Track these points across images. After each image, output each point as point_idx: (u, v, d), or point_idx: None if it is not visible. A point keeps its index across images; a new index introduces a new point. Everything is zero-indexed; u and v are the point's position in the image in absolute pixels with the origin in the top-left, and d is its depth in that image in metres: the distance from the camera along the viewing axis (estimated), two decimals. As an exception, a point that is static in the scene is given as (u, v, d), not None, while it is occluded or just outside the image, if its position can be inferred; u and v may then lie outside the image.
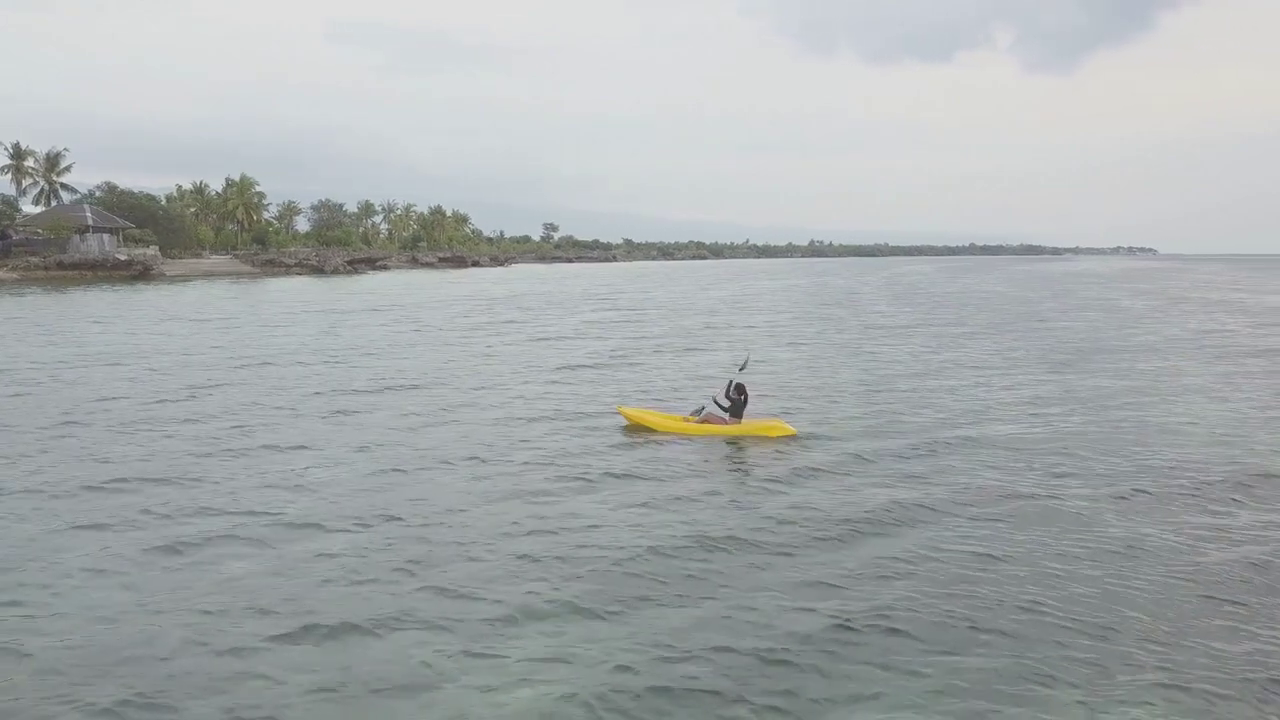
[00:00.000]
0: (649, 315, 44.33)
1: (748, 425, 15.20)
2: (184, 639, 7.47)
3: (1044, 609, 8.14)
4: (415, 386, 20.47)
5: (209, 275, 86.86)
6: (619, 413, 16.34)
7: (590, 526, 10.35)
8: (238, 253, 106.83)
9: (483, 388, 20.48)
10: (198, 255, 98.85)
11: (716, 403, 15.62)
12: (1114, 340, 31.63)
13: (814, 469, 12.98)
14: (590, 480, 12.35)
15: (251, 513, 10.73)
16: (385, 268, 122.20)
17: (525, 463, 13.34)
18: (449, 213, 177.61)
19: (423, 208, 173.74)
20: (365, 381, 21.07)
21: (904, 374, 22.88)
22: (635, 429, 15.60)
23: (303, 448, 14.22)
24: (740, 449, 14.39)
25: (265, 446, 14.30)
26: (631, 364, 24.98)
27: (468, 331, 34.62)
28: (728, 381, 15.84)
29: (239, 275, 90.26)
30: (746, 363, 16.82)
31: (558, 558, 9.32)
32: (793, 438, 14.81)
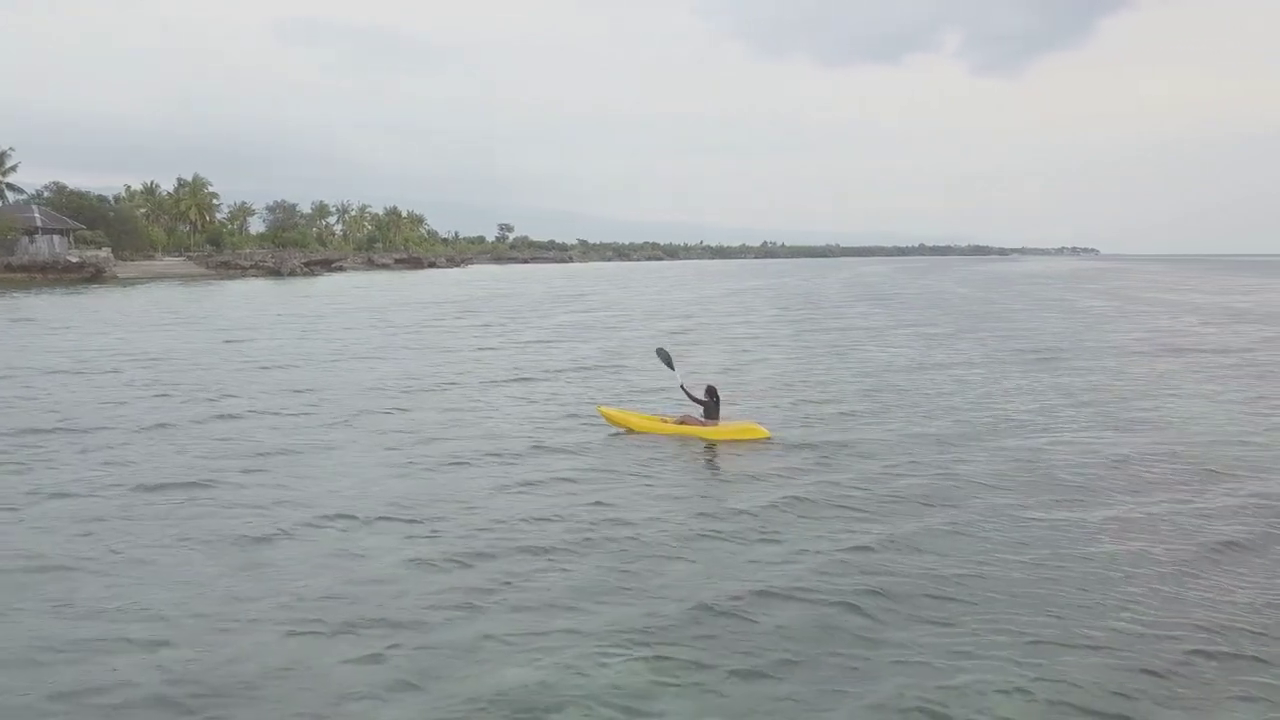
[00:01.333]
0: (623, 318, 44.34)
1: (723, 427, 15.44)
2: (258, 642, 7.45)
3: (1002, 599, 8.49)
4: (407, 392, 20.37)
5: (162, 277, 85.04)
6: (599, 413, 16.61)
7: (567, 518, 10.85)
8: (191, 254, 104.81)
9: (467, 390, 20.51)
10: (150, 257, 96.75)
11: (688, 393, 15.88)
12: (1089, 340, 32.36)
13: (785, 469, 13.25)
14: (571, 479, 12.67)
15: (288, 514, 10.69)
16: (341, 269, 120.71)
17: (511, 461, 13.77)
18: (404, 213, 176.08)
19: (378, 208, 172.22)
20: (358, 386, 20.86)
21: (879, 376, 23.23)
22: (615, 429, 15.91)
23: (316, 454, 14.15)
24: (715, 450, 14.64)
25: (281, 452, 14.19)
26: (611, 367, 25.07)
27: (444, 335, 34.38)
28: (678, 381, 16.30)
29: (193, 277, 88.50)
30: (669, 360, 16.92)
31: (541, 549, 9.74)
32: (767, 440, 15.04)
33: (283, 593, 8.61)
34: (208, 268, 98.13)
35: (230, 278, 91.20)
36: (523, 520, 10.75)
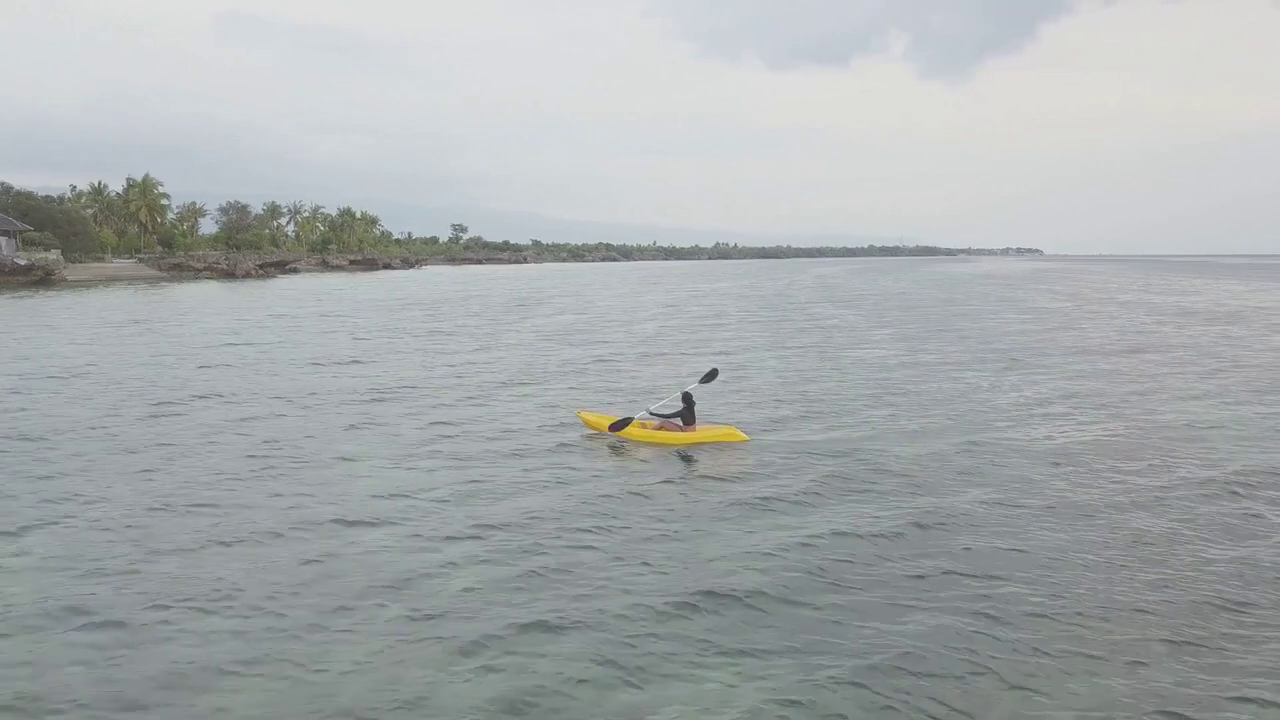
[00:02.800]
0: (595, 322, 44.08)
1: (703, 431, 15.43)
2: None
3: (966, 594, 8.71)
4: (380, 400, 19.92)
5: (114, 280, 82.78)
6: (579, 418, 16.61)
7: (547, 519, 11.09)
8: (142, 256, 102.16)
9: (447, 393, 20.27)
10: (100, 259, 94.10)
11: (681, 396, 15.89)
12: (1059, 340, 32.76)
13: (763, 473, 13.33)
14: (551, 483, 12.83)
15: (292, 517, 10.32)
16: (296, 271, 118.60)
17: (496, 464, 13.90)
18: (358, 214, 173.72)
19: (331, 209, 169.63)
20: (349, 392, 20.36)
21: (855, 378, 23.35)
22: (594, 433, 15.89)
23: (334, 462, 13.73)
24: (694, 454, 14.63)
25: (272, 455, 13.69)
26: (589, 371, 24.91)
27: (419, 338, 33.81)
28: (679, 393, 16.22)
29: (146, 280, 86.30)
30: (712, 375, 17.22)
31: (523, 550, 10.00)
32: (745, 444, 15.04)
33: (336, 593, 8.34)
34: (160, 270, 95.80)
35: (183, 280, 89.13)
36: (510, 519, 11.01)
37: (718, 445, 15.00)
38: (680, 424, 15.57)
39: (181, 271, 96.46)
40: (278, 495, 12.19)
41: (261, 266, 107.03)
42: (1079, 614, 8.33)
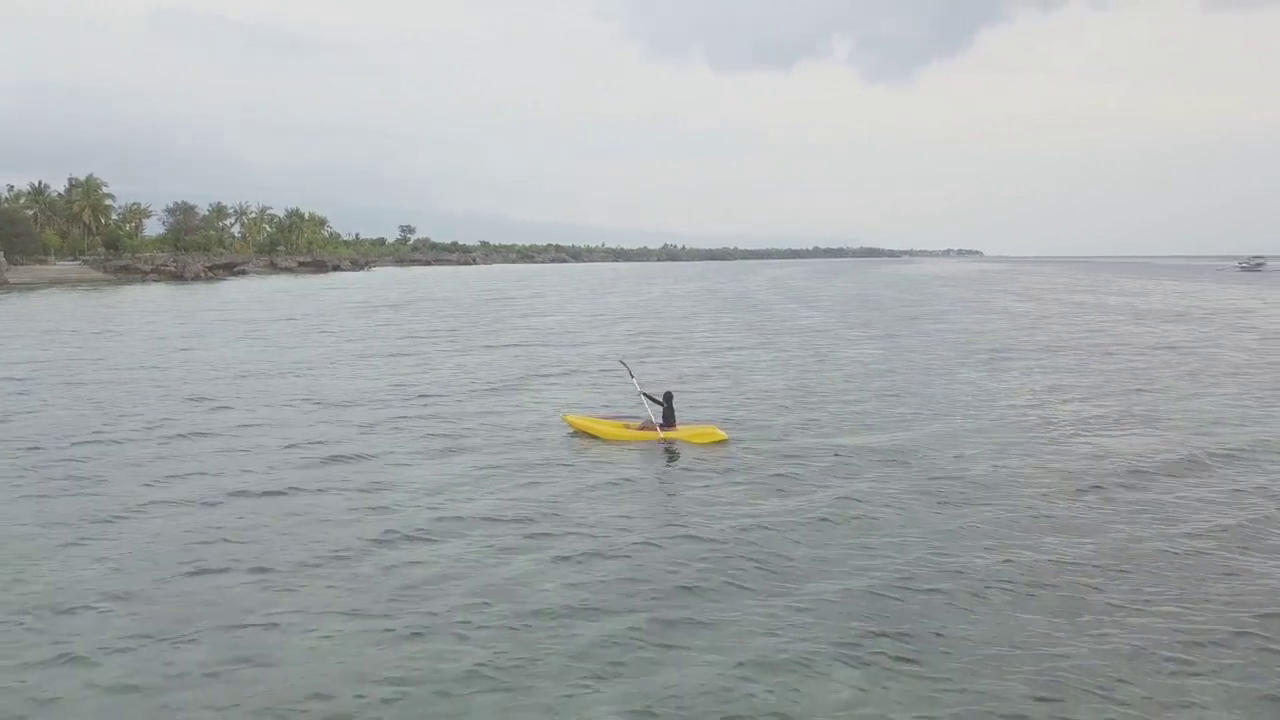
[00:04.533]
0: (571, 324, 44.07)
1: (684, 431, 15.87)
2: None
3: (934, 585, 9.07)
4: (348, 404, 19.94)
5: (59, 283, 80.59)
6: (565, 420, 16.94)
7: (534, 518, 11.40)
8: (87, 258, 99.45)
9: (432, 399, 20.45)
10: (42, 261, 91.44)
11: (648, 399, 16.28)
12: (1021, 339, 33.64)
13: (741, 470, 13.81)
14: (538, 483, 13.06)
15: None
16: (244, 273, 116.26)
17: (490, 465, 14.16)
18: (306, 215, 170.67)
19: (277, 209, 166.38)
20: (338, 398, 20.42)
21: (828, 377, 23.99)
22: (580, 435, 16.25)
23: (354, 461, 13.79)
24: (676, 453, 15.07)
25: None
26: (571, 374, 25.18)
27: (396, 342, 33.66)
28: (641, 394, 16.60)
29: (92, 283, 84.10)
30: (630, 372, 17.70)
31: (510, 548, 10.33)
32: (724, 443, 15.48)
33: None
34: (106, 272, 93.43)
35: (130, 282, 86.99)
36: (502, 517, 11.36)
37: (698, 443, 15.40)
38: (661, 423, 15.97)
39: (128, 274, 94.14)
40: (352, 509, 12.03)
41: (210, 269, 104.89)
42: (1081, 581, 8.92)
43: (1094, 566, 9.58)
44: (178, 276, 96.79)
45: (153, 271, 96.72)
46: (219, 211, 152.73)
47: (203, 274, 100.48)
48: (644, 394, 16.48)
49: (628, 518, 11.38)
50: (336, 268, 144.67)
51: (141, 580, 9.23)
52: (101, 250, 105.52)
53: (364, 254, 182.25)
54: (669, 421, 15.96)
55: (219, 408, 19.16)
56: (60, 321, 42.35)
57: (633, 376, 17.42)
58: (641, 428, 16.14)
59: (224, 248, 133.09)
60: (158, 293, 70.05)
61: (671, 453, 15.08)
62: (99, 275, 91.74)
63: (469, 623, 8.19)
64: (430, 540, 10.50)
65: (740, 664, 7.38)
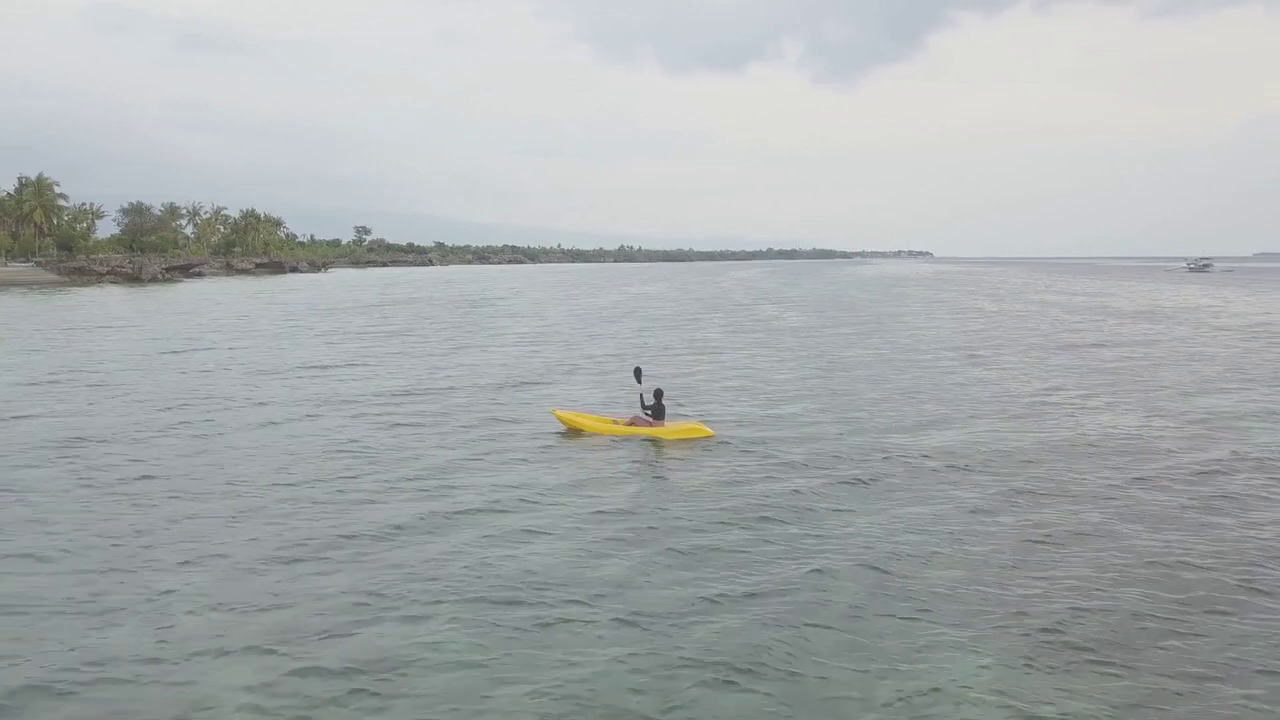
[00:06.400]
0: (552, 324, 43.87)
1: (671, 427, 16.24)
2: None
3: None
4: (348, 404, 19.98)
5: (10, 285, 78.25)
6: (554, 416, 17.23)
7: (526, 511, 11.78)
8: (40, 259, 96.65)
9: (425, 397, 20.59)
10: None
11: (643, 405, 16.62)
12: (1008, 337, 34.27)
13: (727, 465, 14.20)
14: (529, 481, 13.33)
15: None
16: (201, 274, 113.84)
17: (476, 458, 14.60)
18: (262, 215, 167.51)
19: (233, 210, 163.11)
20: (339, 401, 20.39)
21: (810, 375, 24.53)
22: (570, 430, 16.61)
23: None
24: (663, 448, 15.42)
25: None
26: (559, 373, 25.37)
27: (380, 341, 33.35)
28: (639, 392, 17.04)
29: (44, 284, 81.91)
30: (638, 372, 17.96)
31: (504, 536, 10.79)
32: (710, 438, 15.88)
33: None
34: (60, 274, 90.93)
35: (85, 284, 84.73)
36: (495, 513, 11.70)
37: (685, 439, 15.79)
38: (650, 419, 16.30)
39: (83, 275, 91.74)
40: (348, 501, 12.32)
41: (168, 270, 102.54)
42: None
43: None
44: (134, 278, 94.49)
45: (109, 273, 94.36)
46: (172, 212, 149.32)
47: (160, 275, 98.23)
48: (642, 405, 16.65)
49: (602, 512, 11.68)
50: (294, 269, 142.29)
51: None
52: (54, 252, 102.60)
53: (320, 255, 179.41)
54: (658, 417, 16.30)
55: (208, 413, 19.05)
56: (37, 327, 41.04)
57: (640, 383, 17.54)
58: (629, 423, 16.48)
59: (178, 249, 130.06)
60: (114, 295, 68.25)
61: (656, 447, 15.41)
62: (52, 277, 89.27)
63: (458, 616, 8.48)
64: (420, 532, 10.84)
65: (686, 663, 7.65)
